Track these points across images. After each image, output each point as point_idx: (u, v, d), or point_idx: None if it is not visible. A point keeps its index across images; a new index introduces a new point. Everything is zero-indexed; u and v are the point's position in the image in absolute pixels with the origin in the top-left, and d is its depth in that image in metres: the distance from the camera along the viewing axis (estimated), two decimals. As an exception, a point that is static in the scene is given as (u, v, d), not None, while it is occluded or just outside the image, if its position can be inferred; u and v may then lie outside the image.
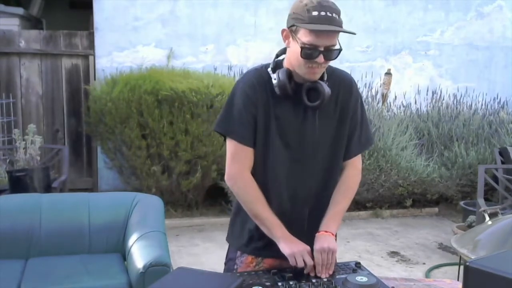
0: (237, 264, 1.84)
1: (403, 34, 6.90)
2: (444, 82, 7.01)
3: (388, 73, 6.52)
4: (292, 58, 1.68)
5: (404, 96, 6.73)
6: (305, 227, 1.76)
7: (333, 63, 1.75)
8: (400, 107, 6.59)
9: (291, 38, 1.65)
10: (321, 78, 1.70)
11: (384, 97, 6.40)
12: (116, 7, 6.01)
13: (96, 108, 5.47)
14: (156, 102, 5.09)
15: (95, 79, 5.94)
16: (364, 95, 6.16)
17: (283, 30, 1.68)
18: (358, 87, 1.89)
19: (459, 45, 7.09)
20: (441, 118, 6.38)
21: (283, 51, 1.75)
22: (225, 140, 1.77)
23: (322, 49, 1.59)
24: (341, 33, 1.63)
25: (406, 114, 6.43)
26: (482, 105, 6.82)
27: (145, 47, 6.12)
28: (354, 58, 6.65)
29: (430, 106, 6.68)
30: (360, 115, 1.81)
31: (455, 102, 6.73)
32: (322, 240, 1.65)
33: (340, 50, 1.63)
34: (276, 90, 1.68)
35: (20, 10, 6.68)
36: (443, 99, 6.73)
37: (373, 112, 5.91)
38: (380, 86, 6.48)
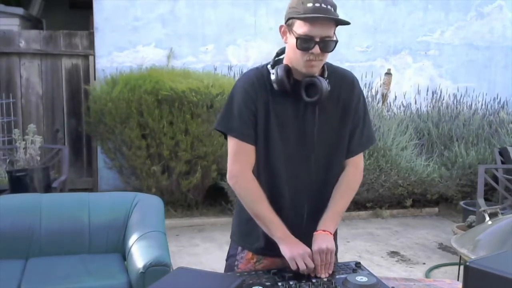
0: (238, 260, 1.84)
1: (403, 34, 6.89)
2: (444, 82, 7.01)
3: (388, 73, 6.52)
4: (290, 53, 1.68)
5: (404, 96, 6.72)
6: (304, 224, 1.75)
7: (332, 63, 1.75)
8: (400, 107, 6.59)
9: (288, 33, 1.66)
10: (322, 75, 1.70)
11: (384, 97, 6.41)
12: (116, 7, 6.01)
13: (96, 108, 5.47)
14: (156, 102, 5.09)
15: (95, 79, 5.94)
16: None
17: (281, 27, 1.69)
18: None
19: (459, 45, 7.09)
20: (441, 118, 6.38)
21: (283, 51, 1.75)
22: (226, 138, 1.77)
23: (317, 39, 1.60)
24: (340, 32, 1.63)
25: (406, 114, 6.43)
26: (482, 105, 6.81)
27: (145, 47, 6.12)
28: (354, 58, 6.65)
29: (430, 106, 6.68)
30: (362, 114, 1.80)
31: (455, 102, 6.72)
32: (320, 240, 1.64)
33: (336, 41, 1.63)
34: (275, 86, 1.69)
35: (20, 10, 6.68)
36: (443, 99, 6.72)
37: (373, 112, 5.91)
38: (380, 86, 6.48)
